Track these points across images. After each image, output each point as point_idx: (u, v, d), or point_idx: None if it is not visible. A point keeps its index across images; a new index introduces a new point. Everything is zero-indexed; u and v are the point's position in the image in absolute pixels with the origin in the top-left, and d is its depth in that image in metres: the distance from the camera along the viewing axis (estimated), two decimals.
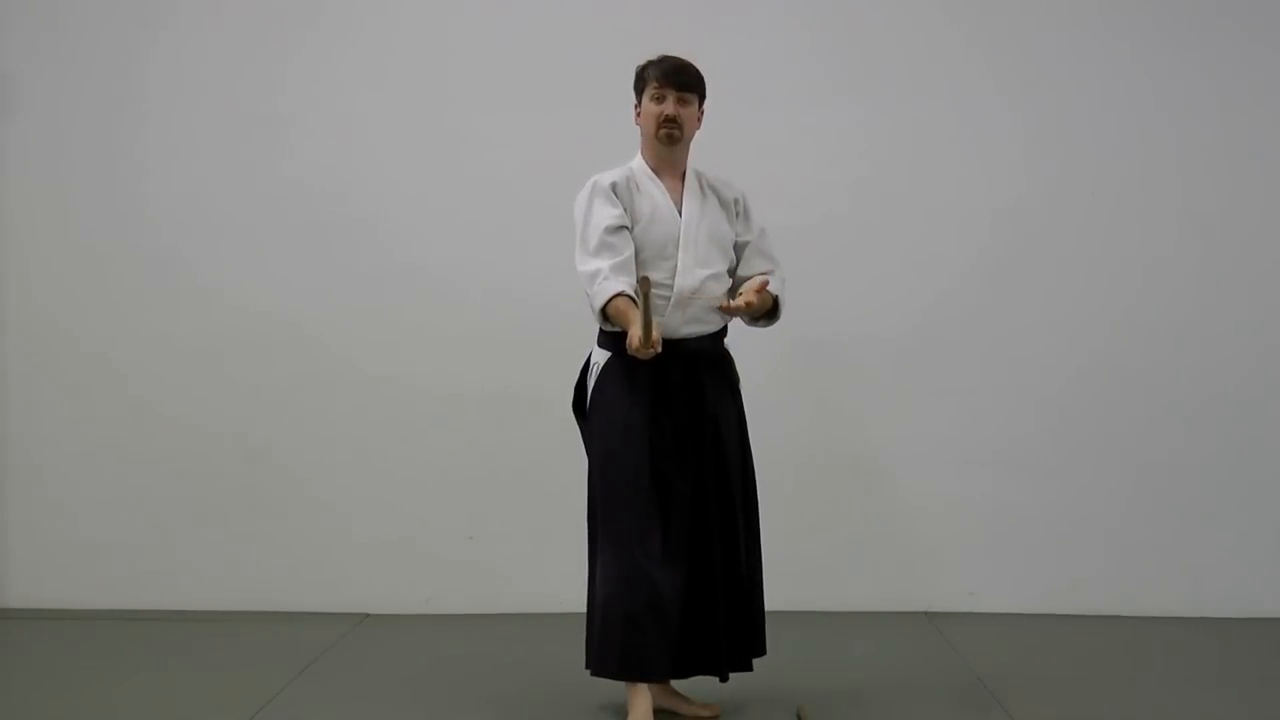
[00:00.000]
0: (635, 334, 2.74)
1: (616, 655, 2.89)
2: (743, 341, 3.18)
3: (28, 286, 4.25)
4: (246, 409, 4.22)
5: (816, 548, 4.17)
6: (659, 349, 2.75)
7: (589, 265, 2.91)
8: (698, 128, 3.08)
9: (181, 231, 4.22)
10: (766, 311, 3.11)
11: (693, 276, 2.97)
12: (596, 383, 3.03)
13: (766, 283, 2.97)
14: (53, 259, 4.24)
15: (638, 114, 3.07)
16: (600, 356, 3.04)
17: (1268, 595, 4.18)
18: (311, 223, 4.21)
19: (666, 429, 2.95)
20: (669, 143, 3.01)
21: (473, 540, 4.21)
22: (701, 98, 3.06)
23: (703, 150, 3.13)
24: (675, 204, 3.02)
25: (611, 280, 2.85)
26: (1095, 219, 4.22)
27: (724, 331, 3.10)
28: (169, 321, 4.22)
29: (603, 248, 2.91)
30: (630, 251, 2.93)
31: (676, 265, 2.96)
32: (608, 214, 2.94)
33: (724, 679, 3.00)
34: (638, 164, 3.08)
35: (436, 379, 4.19)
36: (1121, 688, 3.37)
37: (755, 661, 3.07)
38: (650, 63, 3.04)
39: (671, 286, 2.95)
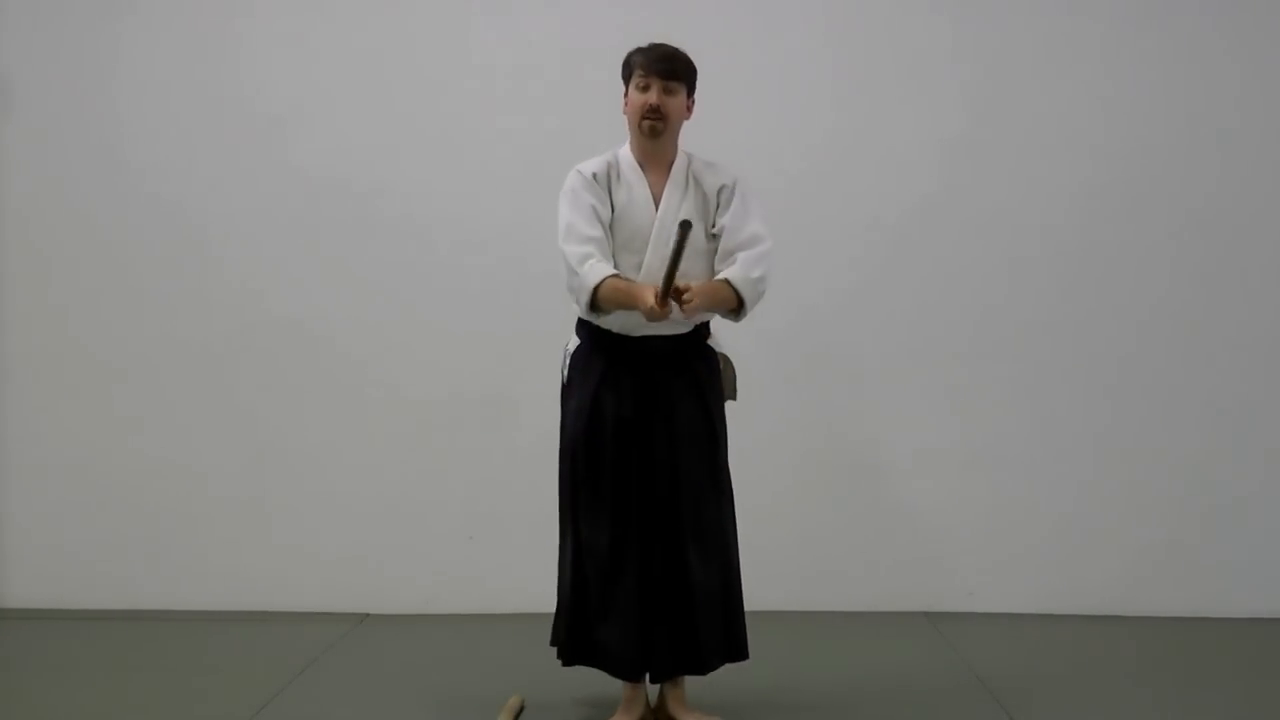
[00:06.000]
0: (648, 299, 2.70)
1: (562, 643, 2.99)
2: (742, 341, 3.17)
3: (27, 287, 4.24)
4: (246, 409, 4.22)
5: (816, 548, 4.18)
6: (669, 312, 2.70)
7: (576, 249, 2.85)
8: (687, 117, 2.96)
9: (181, 232, 4.22)
10: (732, 308, 2.94)
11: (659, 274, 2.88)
12: (567, 370, 3.05)
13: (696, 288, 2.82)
14: (51, 259, 4.23)
15: (626, 103, 2.97)
16: (573, 344, 3.05)
17: (1268, 595, 4.19)
18: (313, 223, 4.20)
19: (609, 415, 2.90)
20: (652, 135, 2.89)
21: (473, 540, 4.22)
22: (691, 87, 2.95)
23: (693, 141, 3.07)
24: (654, 198, 2.93)
25: (601, 264, 2.82)
26: (1095, 217, 4.21)
27: (698, 332, 3.00)
28: (169, 321, 4.22)
29: (585, 240, 2.86)
30: (609, 240, 2.90)
31: (644, 262, 2.90)
32: (586, 202, 2.88)
33: (655, 680, 2.96)
34: (624, 153, 2.99)
35: (437, 378, 4.19)
36: (1121, 688, 3.37)
37: (755, 662, 3.03)
38: (637, 49, 2.92)
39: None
